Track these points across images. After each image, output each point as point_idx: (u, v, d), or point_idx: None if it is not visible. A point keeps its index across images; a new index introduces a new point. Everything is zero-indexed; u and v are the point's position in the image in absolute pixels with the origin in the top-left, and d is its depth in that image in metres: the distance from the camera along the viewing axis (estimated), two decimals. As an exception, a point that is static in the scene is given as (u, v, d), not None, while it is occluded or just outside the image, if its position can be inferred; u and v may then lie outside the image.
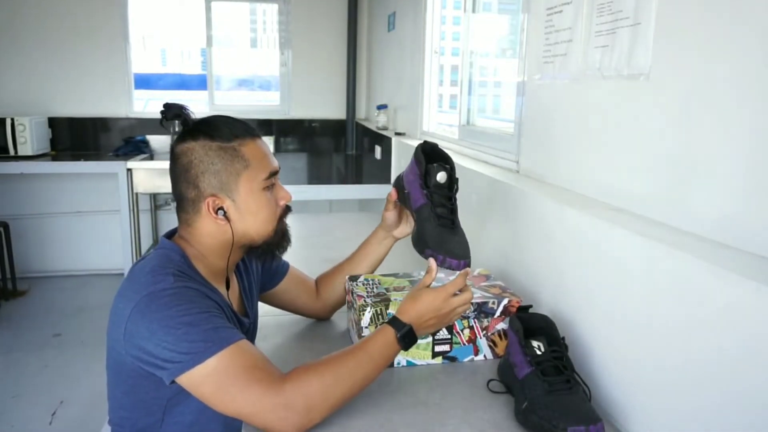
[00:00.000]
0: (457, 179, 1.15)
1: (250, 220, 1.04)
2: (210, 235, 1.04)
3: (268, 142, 4.59)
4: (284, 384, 0.89)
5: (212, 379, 0.88)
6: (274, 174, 1.05)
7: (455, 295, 1.02)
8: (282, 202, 1.09)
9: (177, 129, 1.06)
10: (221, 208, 1.02)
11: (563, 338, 1.03)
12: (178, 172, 1.03)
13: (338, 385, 0.92)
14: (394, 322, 1.00)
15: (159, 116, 1.06)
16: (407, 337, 0.99)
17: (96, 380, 2.74)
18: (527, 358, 0.99)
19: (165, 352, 0.88)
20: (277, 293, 1.30)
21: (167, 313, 0.90)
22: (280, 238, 1.09)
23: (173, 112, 1.05)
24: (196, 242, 1.05)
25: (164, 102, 1.07)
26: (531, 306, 1.17)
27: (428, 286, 1.03)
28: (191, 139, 1.02)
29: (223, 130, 1.02)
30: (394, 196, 1.23)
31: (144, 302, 0.91)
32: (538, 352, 0.99)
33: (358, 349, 0.97)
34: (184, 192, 1.03)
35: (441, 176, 1.12)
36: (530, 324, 1.06)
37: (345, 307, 1.34)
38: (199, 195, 1.02)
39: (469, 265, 1.07)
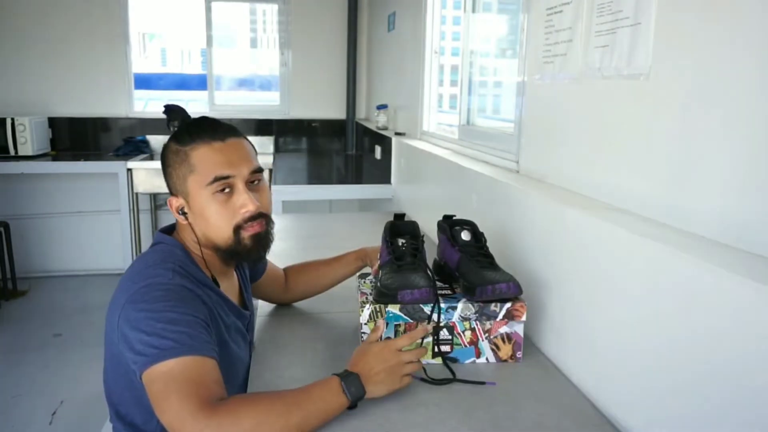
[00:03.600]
0: (482, 233, 1.26)
1: (203, 223, 1.04)
2: (187, 233, 1.07)
3: (268, 142, 4.59)
4: (219, 409, 0.82)
5: (162, 380, 0.85)
6: (219, 179, 1.00)
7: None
8: (242, 210, 1.02)
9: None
10: (182, 208, 1.05)
11: (422, 235, 1.28)
12: None
13: (270, 419, 0.84)
14: (342, 371, 0.96)
15: (159, 116, 1.08)
16: (351, 385, 0.93)
17: (96, 380, 2.71)
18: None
19: (139, 345, 0.87)
20: (257, 286, 1.34)
21: (154, 306, 0.90)
22: (247, 247, 1.04)
23: (175, 115, 1.09)
24: (184, 238, 1.08)
25: (164, 104, 1.09)
26: (404, 214, 1.35)
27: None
28: (168, 141, 1.07)
29: (183, 134, 1.04)
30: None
31: (139, 293, 0.92)
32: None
33: (300, 390, 0.92)
34: None
35: (465, 234, 1.23)
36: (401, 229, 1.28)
37: (357, 306, 1.33)
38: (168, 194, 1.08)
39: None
